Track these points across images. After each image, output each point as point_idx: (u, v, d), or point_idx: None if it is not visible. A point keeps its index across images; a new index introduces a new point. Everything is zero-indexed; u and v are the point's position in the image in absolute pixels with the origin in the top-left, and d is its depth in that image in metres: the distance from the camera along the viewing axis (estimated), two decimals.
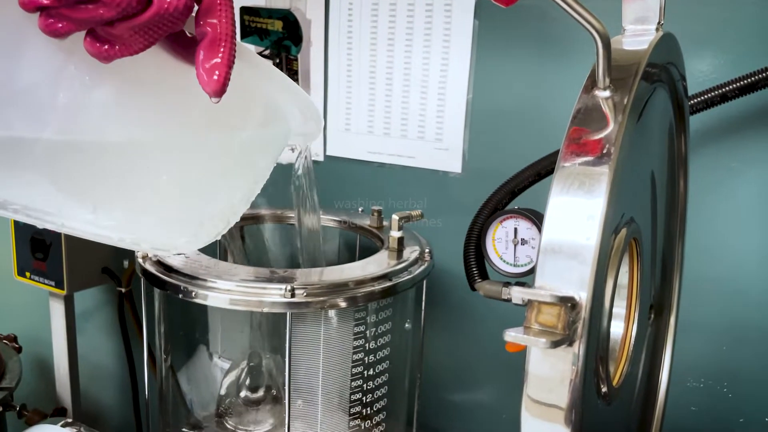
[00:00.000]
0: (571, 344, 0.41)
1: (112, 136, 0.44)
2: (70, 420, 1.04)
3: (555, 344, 0.39)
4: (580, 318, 0.41)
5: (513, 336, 0.40)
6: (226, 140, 0.50)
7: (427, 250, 0.98)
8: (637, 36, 0.53)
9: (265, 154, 0.55)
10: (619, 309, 0.67)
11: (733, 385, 1.08)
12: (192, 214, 0.52)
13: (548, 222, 0.43)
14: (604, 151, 0.43)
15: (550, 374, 0.42)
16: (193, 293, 0.84)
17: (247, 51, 0.60)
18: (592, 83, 0.47)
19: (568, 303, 0.41)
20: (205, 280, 0.84)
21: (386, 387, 0.97)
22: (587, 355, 0.42)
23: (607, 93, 0.45)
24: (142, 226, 0.51)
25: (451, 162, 1.24)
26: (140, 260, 0.91)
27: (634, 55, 0.49)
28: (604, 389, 0.57)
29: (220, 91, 0.41)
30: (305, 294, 0.83)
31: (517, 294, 0.41)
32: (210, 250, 0.98)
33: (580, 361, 0.41)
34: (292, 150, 0.88)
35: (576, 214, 0.43)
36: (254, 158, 0.54)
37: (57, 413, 1.43)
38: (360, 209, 1.17)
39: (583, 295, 0.41)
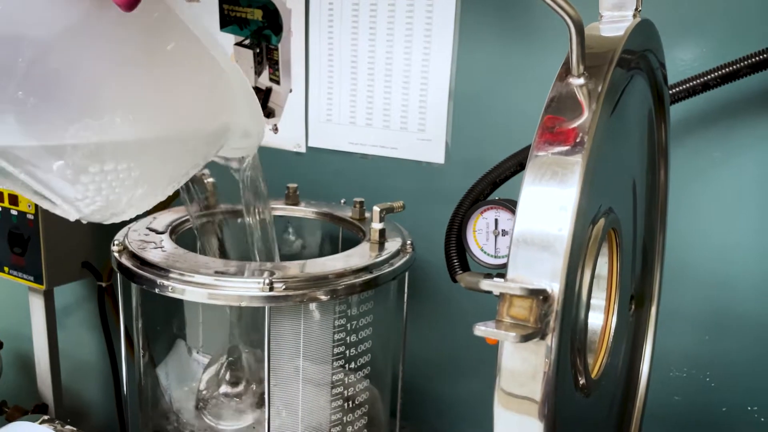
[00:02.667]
0: (543, 337, 0.40)
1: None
2: (47, 417, 1.02)
3: (526, 338, 0.38)
4: (553, 311, 0.40)
5: (483, 330, 0.39)
6: (190, 131, 0.60)
7: (408, 242, 0.97)
8: (614, 23, 0.52)
9: (210, 146, 0.68)
10: (598, 300, 0.66)
11: (716, 375, 1.09)
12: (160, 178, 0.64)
13: (520, 213, 0.42)
14: (578, 140, 0.42)
15: (523, 368, 0.41)
16: (170, 288, 0.82)
17: (221, 54, 0.64)
18: (566, 71, 0.46)
19: (540, 296, 0.40)
20: (182, 273, 0.83)
21: (368, 380, 0.96)
22: (561, 347, 0.41)
23: (581, 80, 0.44)
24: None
25: (434, 152, 1.23)
26: (116, 254, 0.89)
27: (609, 41, 0.48)
28: (582, 381, 0.57)
29: (128, 5, 0.50)
30: (284, 287, 0.82)
31: (487, 287, 0.40)
32: (188, 244, 0.97)
33: (553, 354, 0.40)
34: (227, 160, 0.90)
35: (548, 205, 0.42)
36: (202, 148, 0.67)
37: (38, 410, 1.41)
38: (342, 201, 1.15)
39: (555, 288, 0.40)
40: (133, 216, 0.68)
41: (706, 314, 1.07)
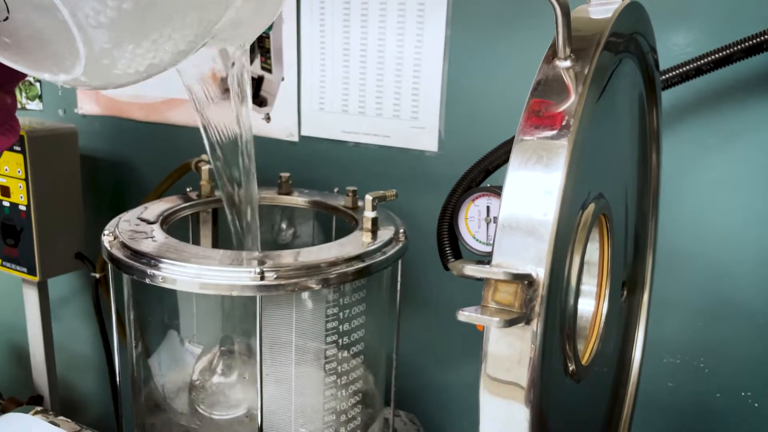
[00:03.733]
0: (528, 322, 0.40)
1: None
2: (40, 408, 1.02)
3: (509, 323, 0.38)
4: (538, 296, 0.40)
5: (467, 315, 0.39)
6: None
7: (401, 231, 0.97)
8: (603, 5, 0.52)
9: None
10: (589, 287, 0.66)
11: (710, 361, 1.09)
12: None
13: (505, 198, 0.42)
14: (564, 123, 0.42)
15: (508, 353, 0.40)
16: (160, 278, 0.82)
17: None
18: (553, 53, 0.45)
19: (524, 280, 0.39)
20: (172, 263, 0.82)
21: (362, 369, 0.96)
22: (546, 333, 0.41)
23: (568, 63, 0.44)
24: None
25: (428, 140, 1.22)
26: (106, 245, 0.89)
27: (596, 24, 0.48)
28: (572, 367, 0.56)
29: None
30: (276, 276, 0.81)
31: (471, 273, 0.40)
32: (181, 234, 0.97)
33: (539, 339, 0.40)
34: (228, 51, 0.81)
35: (533, 190, 0.41)
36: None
37: (33, 401, 1.41)
38: (335, 190, 1.15)
39: (540, 273, 0.40)
40: (131, 82, 0.61)
41: (700, 300, 1.07)
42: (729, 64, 0.88)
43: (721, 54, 0.88)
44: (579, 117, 0.42)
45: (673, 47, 1.00)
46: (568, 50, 0.43)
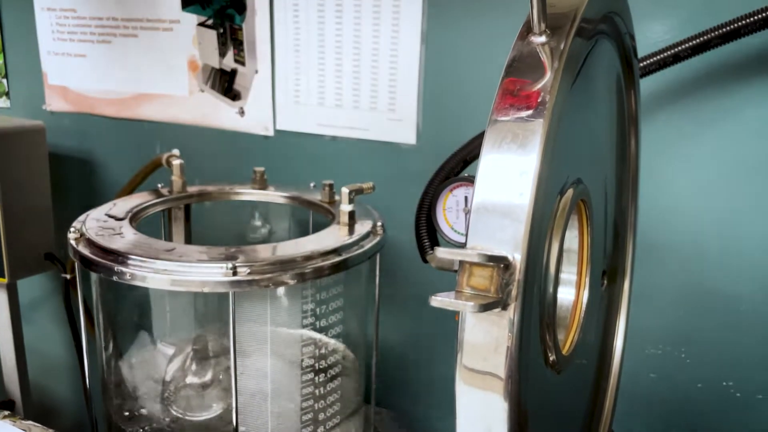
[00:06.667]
0: (505, 308, 0.38)
1: None
2: (8, 413, 0.99)
3: (485, 307, 0.36)
4: (515, 280, 0.38)
5: (440, 300, 0.37)
6: None
7: (379, 224, 0.95)
8: None
9: None
10: (569, 275, 0.64)
11: (691, 351, 1.08)
12: None
13: (479, 181, 0.40)
14: (540, 100, 0.40)
15: (485, 341, 0.39)
16: (128, 275, 0.79)
17: None
18: (527, 29, 0.43)
19: (501, 263, 0.37)
20: (142, 260, 0.80)
21: (340, 366, 0.94)
22: (524, 320, 0.39)
23: (543, 38, 0.42)
24: None
25: (405, 133, 1.20)
26: (72, 242, 0.86)
27: (572, 0, 0.46)
28: (552, 357, 0.55)
29: None
30: (249, 272, 0.79)
31: (445, 255, 0.38)
32: (153, 232, 0.94)
33: (516, 326, 0.38)
34: None
35: (508, 171, 0.40)
36: None
37: (4, 406, 1.37)
38: (312, 185, 1.12)
39: (517, 255, 0.38)
40: None
41: (681, 290, 1.06)
42: (706, 51, 0.87)
43: (698, 40, 0.87)
44: (555, 93, 0.40)
45: (650, 34, 0.99)
46: (543, 25, 0.42)
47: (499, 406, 0.39)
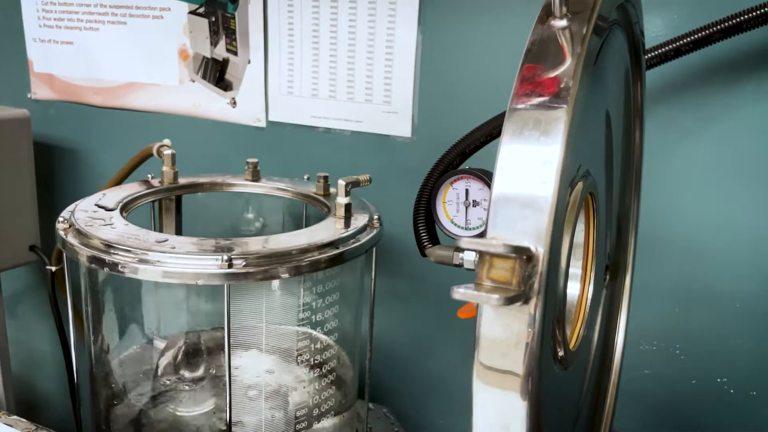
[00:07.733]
0: (527, 302, 0.36)
1: None
2: None
3: (509, 300, 0.35)
4: (537, 272, 0.36)
5: (462, 293, 0.35)
6: None
7: (376, 217, 0.93)
8: None
9: None
10: (575, 269, 0.63)
11: (686, 348, 1.08)
12: None
13: (499, 171, 0.38)
14: (562, 86, 0.39)
15: (504, 336, 0.37)
16: (119, 266, 0.76)
17: None
18: (547, 13, 0.42)
19: (524, 255, 0.36)
20: (133, 251, 0.77)
21: (335, 360, 0.92)
22: (545, 314, 0.38)
23: (564, 22, 0.41)
24: None
25: (401, 126, 1.19)
26: (61, 232, 0.83)
27: None
28: (561, 353, 0.54)
29: None
30: (244, 264, 0.77)
31: (467, 245, 0.36)
32: (143, 223, 0.91)
33: (537, 321, 0.37)
34: None
35: (531, 159, 0.38)
36: None
37: None
38: (306, 177, 1.10)
39: (540, 247, 0.36)
40: None
41: (676, 286, 1.06)
42: (708, 45, 0.87)
43: (700, 34, 0.86)
44: (578, 80, 0.39)
45: (652, 28, 0.98)
46: (564, 8, 0.40)
47: (517, 405, 0.38)
